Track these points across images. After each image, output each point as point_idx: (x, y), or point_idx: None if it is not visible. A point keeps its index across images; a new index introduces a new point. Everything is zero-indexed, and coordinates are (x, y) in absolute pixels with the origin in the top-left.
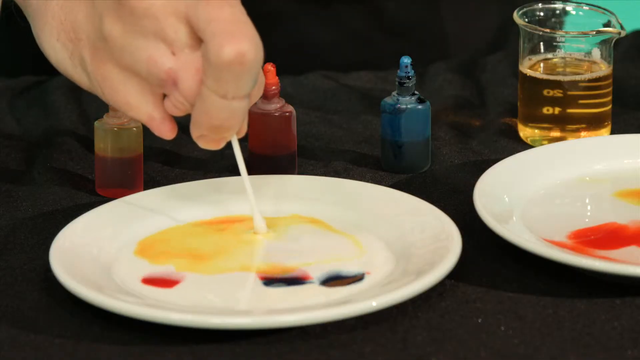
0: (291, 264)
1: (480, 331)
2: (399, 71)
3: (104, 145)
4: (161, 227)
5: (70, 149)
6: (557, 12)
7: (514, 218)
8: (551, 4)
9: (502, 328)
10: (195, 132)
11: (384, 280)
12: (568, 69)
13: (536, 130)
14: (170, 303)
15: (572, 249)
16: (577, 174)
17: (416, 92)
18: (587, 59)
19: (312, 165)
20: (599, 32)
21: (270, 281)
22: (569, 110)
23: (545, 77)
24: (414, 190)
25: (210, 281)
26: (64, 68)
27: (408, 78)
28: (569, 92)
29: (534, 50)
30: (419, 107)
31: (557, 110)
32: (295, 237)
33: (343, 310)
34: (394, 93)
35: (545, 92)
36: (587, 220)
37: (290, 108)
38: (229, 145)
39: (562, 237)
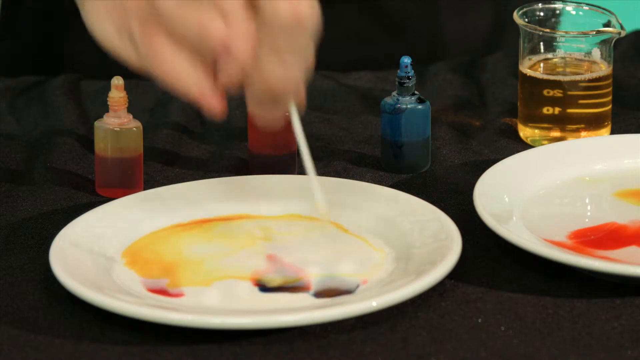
0: (292, 276)
1: (480, 331)
2: (399, 71)
3: (104, 145)
4: (161, 226)
5: (70, 149)
6: (557, 12)
7: (514, 218)
8: (551, 4)
9: (502, 328)
10: (252, 105)
11: (384, 280)
12: (568, 69)
13: (536, 130)
14: (171, 303)
15: (572, 249)
16: (577, 174)
17: (416, 92)
18: (587, 59)
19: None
20: (599, 32)
21: (266, 289)
22: (569, 110)
23: (545, 77)
24: (414, 190)
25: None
26: (112, 44)
27: (408, 78)
28: (569, 92)
29: (534, 50)
30: (419, 107)
31: (557, 110)
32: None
33: (343, 310)
34: (394, 93)
35: (545, 92)
36: (587, 220)
37: None
38: (227, 145)
39: (562, 237)
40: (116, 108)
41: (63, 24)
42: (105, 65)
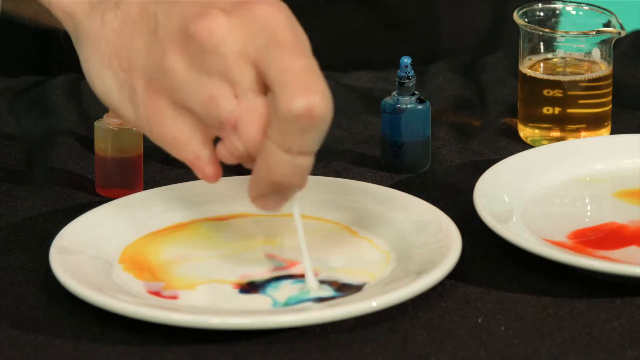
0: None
1: (480, 331)
2: (399, 71)
3: (104, 145)
4: (161, 226)
5: (70, 149)
6: (557, 12)
7: (514, 218)
8: (551, 4)
9: (502, 328)
10: (254, 191)
11: (384, 280)
12: (568, 69)
13: (536, 130)
14: (170, 303)
15: (572, 249)
16: (577, 174)
17: (416, 92)
18: (587, 59)
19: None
20: (599, 32)
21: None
22: (569, 110)
23: (545, 77)
24: (414, 190)
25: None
26: (110, 98)
27: (408, 78)
28: (569, 92)
29: (534, 50)
30: (419, 107)
31: (557, 110)
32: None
33: (343, 310)
34: (394, 93)
35: (545, 92)
36: (587, 220)
37: None
38: None
39: (562, 237)
40: None
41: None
42: None
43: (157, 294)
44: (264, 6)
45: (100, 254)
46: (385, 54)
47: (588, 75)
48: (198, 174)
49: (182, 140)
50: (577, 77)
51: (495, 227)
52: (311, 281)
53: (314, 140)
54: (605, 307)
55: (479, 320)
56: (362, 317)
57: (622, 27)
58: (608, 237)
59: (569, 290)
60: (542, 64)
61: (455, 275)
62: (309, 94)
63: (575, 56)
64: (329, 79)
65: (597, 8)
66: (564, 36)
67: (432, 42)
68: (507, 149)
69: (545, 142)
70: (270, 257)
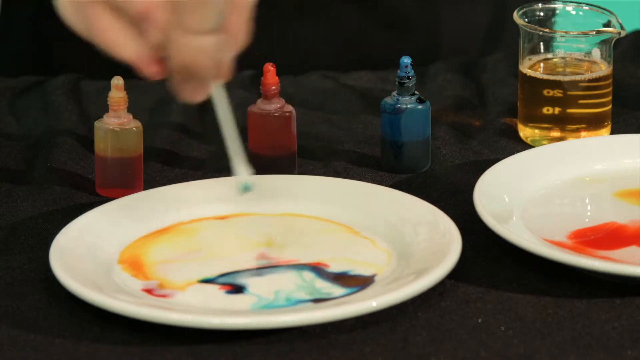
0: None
1: (480, 331)
2: (399, 71)
3: (104, 145)
4: (161, 226)
5: (70, 149)
6: (557, 12)
7: (514, 218)
8: (551, 4)
9: (502, 328)
10: (173, 80)
11: (384, 280)
12: (568, 69)
13: (536, 130)
14: (170, 303)
15: (572, 249)
16: (577, 174)
17: (416, 92)
18: (587, 59)
19: (312, 165)
20: (599, 32)
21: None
22: (569, 110)
23: (545, 77)
24: (414, 190)
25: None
26: (65, 15)
27: (408, 78)
28: (569, 92)
29: (534, 50)
30: (419, 107)
31: (557, 110)
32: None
33: (343, 310)
34: (394, 93)
35: (545, 92)
36: (587, 220)
37: (290, 108)
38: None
39: (562, 237)
40: (116, 108)
41: (63, 24)
42: (105, 65)
43: (150, 292)
44: None
45: (100, 254)
46: (385, 54)
47: (588, 75)
48: (143, 72)
49: (122, 41)
50: (577, 77)
51: (495, 227)
52: (241, 170)
53: (209, 15)
54: (605, 307)
55: (479, 320)
56: (362, 317)
57: (622, 27)
58: (608, 237)
59: (569, 290)
60: (542, 64)
61: (455, 275)
62: None
63: (575, 56)
64: (329, 78)
65: (597, 8)
66: (564, 36)
67: (432, 42)
68: (507, 149)
69: (545, 142)
70: (261, 257)
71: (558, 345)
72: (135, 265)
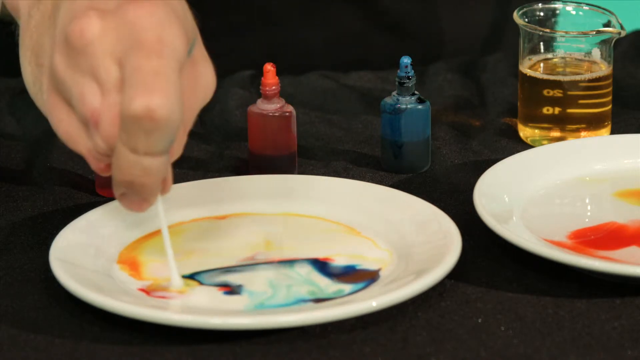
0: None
1: (480, 331)
2: (399, 71)
3: None
4: (159, 226)
5: (70, 149)
6: (557, 12)
7: (514, 218)
8: (551, 4)
9: (502, 328)
10: (115, 189)
11: (384, 280)
12: (568, 69)
13: (536, 130)
14: (170, 304)
15: (572, 249)
16: (577, 174)
17: (416, 92)
18: (587, 59)
19: (312, 165)
20: (599, 32)
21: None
22: (569, 110)
23: (545, 77)
24: (414, 190)
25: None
26: (29, 91)
27: (408, 78)
28: (569, 92)
29: (534, 50)
30: (419, 107)
31: (557, 110)
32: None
33: (343, 310)
34: (394, 93)
35: (545, 92)
36: (587, 220)
37: (290, 108)
38: (227, 145)
39: (562, 237)
40: None
41: None
42: None
43: (146, 292)
44: (138, 8)
45: (100, 254)
46: (385, 54)
47: (588, 75)
48: (92, 167)
49: (74, 135)
50: (577, 77)
51: (495, 227)
52: (176, 280)
53: (160, 141)
54: (605, 307)
55: (479, 320)
56: (362, 317)
57: (622, 27)
58: (608, 237)
59: (569, 290)
60: (542, 64)
61: (455, 275)
62: (149, 95)
63: (575, 56)
64: (329, 78)
65: (597, 8)
66: (564, 36)
67: (432, 42)
68: (507, 149)
69: (545, 142)
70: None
71: (558, 345)
72: (133, 266)
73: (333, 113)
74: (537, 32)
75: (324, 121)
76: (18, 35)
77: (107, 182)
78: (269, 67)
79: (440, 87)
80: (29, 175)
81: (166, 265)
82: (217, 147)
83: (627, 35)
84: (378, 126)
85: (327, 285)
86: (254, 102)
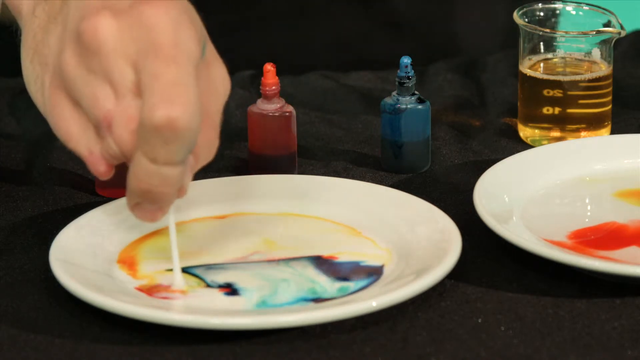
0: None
1: (480, 331)
2: (399, 71)
3: None
4: (160, 226)
5: (70, 149)
6: (557, 12)
7: (514, 218)
8: (551, 4)
9: (502, 328)
10: (129, 199)
11: (383, 280)
12: (568, 69)
13: (536, 130)
14: (170, 304)
15: (572, 249)
16: (577, 174)
17: (416, 92)
18: (587, 59)
19: (312, 165)
20: (599, 32)
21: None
22: (569, 110)
23: (545, 77)
24: (414, 190)
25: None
26: (29, 90)
27: (408, 78)
28: (569, 92)
29: (534, 50)
30: (419, 107)
31: (557, 110)
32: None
33: (343, 310)
34: (394, 93)
35: (545, 92)
36: (587, 220)
37: (290, 108)
38: (227, 145)
39: (562, 237)
40: None
41: None
42: None
43: (145, 292)
44: (153, 9)
45: (100, 253)
46: (385, 54)
47: (588, 75)
48: (91, 169)
49: (76, 135)
50: (577, 77)
51: (495, 227)
52: (178, 281)
53: (180, 151)
54: (605, 307)
55: (479, 320)
56: (362, 317)
57: (622, 27)
58: (608, 237)
59: (569, 290)
60: (542, 64)
61: (455, 275)
62: (170, 105)
63: (575, 56)
64: (329, 78)
65: (597, 8)
66: (564, 36)
67: (432, 42)
68: (507, 149)
69: (545, 142)
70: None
71: (558, 345)
72: (131, 266)
73: (333, 113)
74: (537, 32)
75: (324, 121)
76: (19, 34)
77: (107, 182)
78: (269, 67)
79: (440, 87)
80: (29, 175)
81: (163, 264)
82: (217, 147)
83: (627, 35)
84: (378, 126)
85: (331, 283)
86: (254, 102)
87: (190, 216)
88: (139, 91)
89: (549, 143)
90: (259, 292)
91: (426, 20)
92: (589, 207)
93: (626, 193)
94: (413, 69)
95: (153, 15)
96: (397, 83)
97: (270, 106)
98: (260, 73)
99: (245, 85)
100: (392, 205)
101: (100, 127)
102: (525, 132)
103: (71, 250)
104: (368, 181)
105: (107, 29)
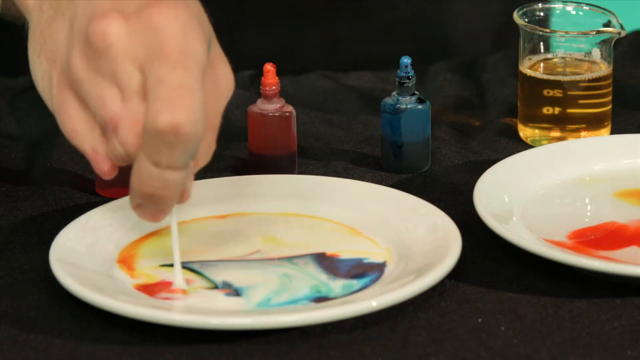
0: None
1: (480, 331)
2: (399, 71)
3: None
4: (160, 226)
5: (70, 149)
6: (557, 12)
7: (514, 218)
8: (551, 4)
9: (502, 328)
10: (132, 200)
11: (384, 280)
12: (568, 69)
13: (536, 130)
14: (170, 304)
15: (572, 249)
16: (577, 174)
17: (416, 92)
18: (587, 59)
19: (312, 165)
20: (599, 32)
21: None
22: (569, 110)
23: (545, 77)
24: (414, 190)
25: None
26: (37, 86)
27: (408, 78)
28: (569, 92)
29: (534, 50)
30: (419, 107)
31: (557, 110)
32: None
33: (343, 310)
34: (394, 93)
35: (545, 92)
36: (587, 220)
37: (290, 108)
38: (227, 145)
39: (562, 237)
40: None
41: None
42: None
43: (148, 293)
44: (162, 13)
45: (100, 254)
46: (385, 54)
47: (588, 75)
48: (94, 168)
49: (82, 133)
50: (577, 77)
51: (495, 227)
52: (179, 281)
53: (183, 156)
54: (605, 307)
55: (479, 320)
56: (362, 317)
57: (622, 27)
58: (608, 237)
59: (569, 290)
60: (542, 64)
61: (455, 275)
62: (174, 110)
63: (575, 56)
64: (329, 78)
65: (597, 8)
66: (564, 36)
67: (432, 42)
68: (507, 149)
69: (545, 142)
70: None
71: (558, 345)
72: (130, 265)
73: (333, 113)
74: (537, 32)
75: (324, 121)
76: (26, 29)
77: (107, 182)
78: (269, 67)
79: (440, 87)
80: (29, 175)
81: (161, 262)
82: (217, 147)
83: (627, 35)
84: (378, 126)
85: (335, 281)
86: (254, 102)
87: (190, 216)
88: (145, 94)
89: (549, 143)
90: (262, 289)
91: (426, 20)
92: (589, 207)
93: (626, 193)
94: (413, 69)
95: (162, 19)
96: (397, 83)
97: (270, 106)
98: (260, 73)
99: (245, 85)
100: (392, 205)
101: (106, 128)
102: (525, 132)
103: (71, 250)
104: (368, 181)
105: (115, 32)
